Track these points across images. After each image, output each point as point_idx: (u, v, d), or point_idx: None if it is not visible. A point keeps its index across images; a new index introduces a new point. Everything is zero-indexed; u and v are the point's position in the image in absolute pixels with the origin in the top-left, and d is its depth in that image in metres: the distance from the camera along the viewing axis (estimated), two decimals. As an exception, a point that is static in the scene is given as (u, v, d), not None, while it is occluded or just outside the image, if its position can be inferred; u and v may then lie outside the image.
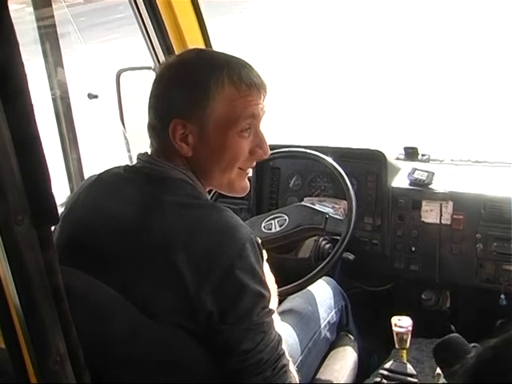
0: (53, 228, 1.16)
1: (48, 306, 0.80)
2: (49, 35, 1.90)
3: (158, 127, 1.29)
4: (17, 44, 0.73)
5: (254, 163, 1.36)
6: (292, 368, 1.27)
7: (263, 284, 1.22)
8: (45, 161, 0.76)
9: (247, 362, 1.17)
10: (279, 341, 1.23)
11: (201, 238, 1.17)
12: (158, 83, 1.31)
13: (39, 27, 1.89)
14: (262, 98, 1.30)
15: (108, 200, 1.28)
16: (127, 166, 1.34)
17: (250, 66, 1.30)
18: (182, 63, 1.33)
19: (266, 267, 1.59)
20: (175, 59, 1.37)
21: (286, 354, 1.25)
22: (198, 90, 1.24)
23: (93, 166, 1.91)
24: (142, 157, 1.32)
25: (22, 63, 0.74)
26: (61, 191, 1.45)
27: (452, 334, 1.17)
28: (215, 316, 1.15)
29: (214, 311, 1.15)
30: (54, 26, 1.90)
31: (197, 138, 1.26)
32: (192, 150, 1.27)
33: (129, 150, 2.42)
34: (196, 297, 1.14)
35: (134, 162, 1.35)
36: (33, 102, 0.74)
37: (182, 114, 1.25)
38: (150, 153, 1.33)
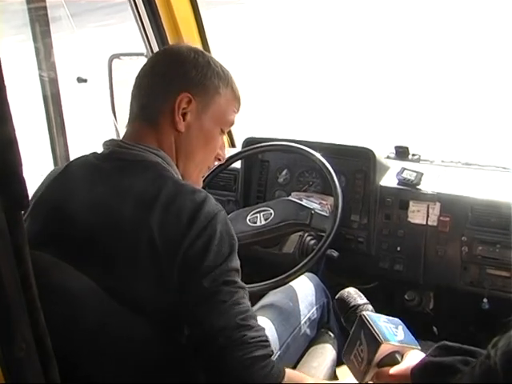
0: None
1: (14, 292, 0.78)
2: (39, 18, 1.88)
3: (153, 104, 1.35)
4: None
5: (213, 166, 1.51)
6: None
7: (235, 251, 1.20)
8: (16, 143, 0.74)
9: (201, 332, 1.14)
10: (246, 313, 1.16)
11: (174, 216, 1.18)
12: (169, 60, 1.39)
13: (29, 9, 1.87)
14: (237, 111, 1.47)
15: (80, 188, 1.28)
16: (95, 153, 1.36)
17: None
18: (197, 50, 1.42)
19: None
20: (186, 44, 1.50)
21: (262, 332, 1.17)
22: (214, 76, 1.37)
23: (79, 151, 1.89)
24: (111, 143, 1.34)
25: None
26: (45, 175, 1.43)
27: (349, 288, 1.31)
28: (181, 286, 1.15)
29: (180, 281, 1.15)
30: (44, 8, 1.88)
31: (194, 118, 1.35)
32: (185, 127, 1.34)
33: (118, 137, 2.40)
34: (168, 277, 1.15)
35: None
36: (5, 79, 0.71)
37: (192, 89, 1.34)
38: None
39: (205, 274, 1.14)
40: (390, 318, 1.20)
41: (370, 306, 1.27)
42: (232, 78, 1.42)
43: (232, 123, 1.46)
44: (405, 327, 1.19)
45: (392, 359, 1.13)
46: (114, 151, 1.31)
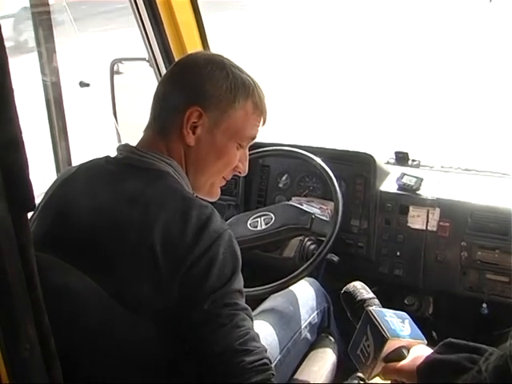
0: (29, 215, 1.15)
1: (20, 292, 0.79)
2: (43, 22, 1.89)
3: (165, 114, 1.33)
4: (2, 42, 0.72)
5: (231, 176, 1.44)
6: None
7: (237, 272, 1.19)
8: (23, 145, 0.75)
9: (201, 355, 1.14)
10: (245, 337, 1.14)
11: (178, 230, 1.17)
12: (184, 71, 1.36)
13: (33, 14, 1.88)
14: (262, 124, 1.42)
15: (89, 192, 1.27)
16: (109, 157, 1.35)
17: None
18: (216, 60, 1.37)
19: None
20: (206, 54, 1.47)
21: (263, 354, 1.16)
22: (230, 89, 1.32)
23: (81, 155, 1.90)
24: (124, 148, 1.33)
25: (6, 58, 0.72)
26: (48, 179, 1.44)
27: (355, 282, 1.29)
28: (182, 301, 1.14)
29: (181, 297, 1.14)
30: (48, 13, 1.89)
31: (205, 133, 1.31)
32: (195, 141, 1.31)
33: (119, 141, 2.40)
34: (168, 286, 1.14)
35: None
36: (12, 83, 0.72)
37: (203, 103, 1.30)
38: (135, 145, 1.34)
39: (206, 296, 1.13)
40: (397, 312, 1.19)
41: (376, 301, 1.25)
42: (255, 90, 1.36)
43: (253, 137, 1.41)
44: (411, 321, 1.18)
45: (399, 354, 1.12)
46: (127, 157, 1.30)
